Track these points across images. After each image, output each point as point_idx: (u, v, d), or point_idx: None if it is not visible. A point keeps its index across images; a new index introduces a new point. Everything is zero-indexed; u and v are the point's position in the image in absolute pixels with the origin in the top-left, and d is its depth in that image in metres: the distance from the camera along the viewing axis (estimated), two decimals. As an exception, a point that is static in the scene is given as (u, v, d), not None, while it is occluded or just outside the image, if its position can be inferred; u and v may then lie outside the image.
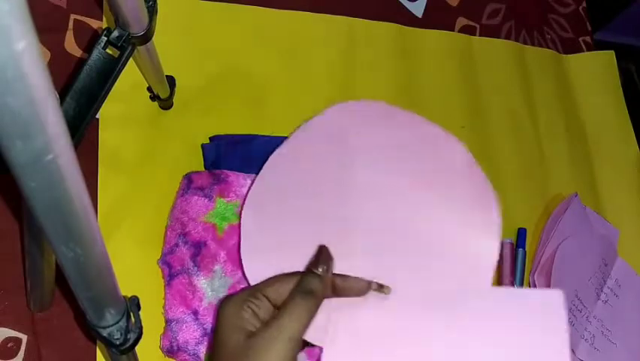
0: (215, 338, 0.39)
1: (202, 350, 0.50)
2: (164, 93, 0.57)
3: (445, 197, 0.49)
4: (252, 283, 0.46)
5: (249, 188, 0.52)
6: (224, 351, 0.37)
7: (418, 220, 0.48)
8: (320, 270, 0.40)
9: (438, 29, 0.78)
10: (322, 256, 0.41)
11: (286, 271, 0.41)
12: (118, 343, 0.35)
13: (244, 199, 0.51)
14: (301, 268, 0.42)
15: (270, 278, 0.41)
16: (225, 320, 0.38)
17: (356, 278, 0.42)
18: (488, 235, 0.47)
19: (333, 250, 0.43)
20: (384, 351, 0.42)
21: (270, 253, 0.47)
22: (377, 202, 0.49)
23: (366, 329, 0.42)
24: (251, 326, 0.37)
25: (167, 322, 0.51)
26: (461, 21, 0.82)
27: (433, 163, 0.51)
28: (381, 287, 0.43)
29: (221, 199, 0.54)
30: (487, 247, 0.46)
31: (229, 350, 0.37)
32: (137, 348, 0.38)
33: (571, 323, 0.64)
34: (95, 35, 0.56)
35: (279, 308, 0.39)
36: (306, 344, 0.40)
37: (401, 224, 0.48)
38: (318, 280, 0.39)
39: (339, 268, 0.42)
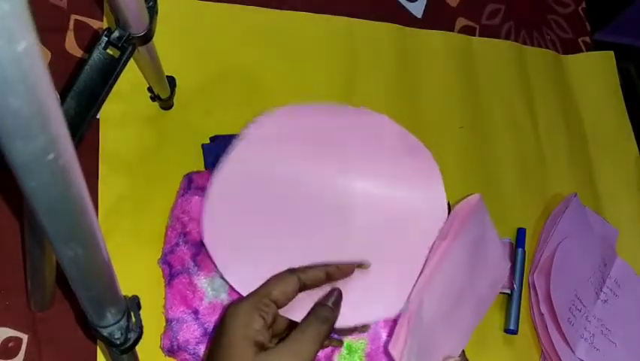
0: (220, 349, 0.40)
1: (202, 350, 0.50)
2: (164, 93, 0.58)
3: (392, 179, 0.53)
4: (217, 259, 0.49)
5: None
6: None
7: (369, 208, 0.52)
8: (331, 304, 0.44)
9: (438, 30, 0.78)
10: (334, 294, 0.45)
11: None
12: (118, 342, 0.35)
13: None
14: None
15: (271, 281, 0.42)
16: (237, 330, 0.39)
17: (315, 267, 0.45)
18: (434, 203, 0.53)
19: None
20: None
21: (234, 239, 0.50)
22: (330, 192, 0.53)
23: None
24: (261, 336, 0.39)
25: (168, 321, 0.51)
26: (461, 21, 0.82)
27: (379, 152, 0.54)
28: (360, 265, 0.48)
29: (221, 199, 0.54)
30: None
31: None
32: (137, 348, 0.38)
33: (570, 323, 0.64)
34: (96, 35, 0.56)
35: (279, 307, 0.42)
36: None
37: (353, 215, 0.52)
38: (331, 311, 0.43)
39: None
